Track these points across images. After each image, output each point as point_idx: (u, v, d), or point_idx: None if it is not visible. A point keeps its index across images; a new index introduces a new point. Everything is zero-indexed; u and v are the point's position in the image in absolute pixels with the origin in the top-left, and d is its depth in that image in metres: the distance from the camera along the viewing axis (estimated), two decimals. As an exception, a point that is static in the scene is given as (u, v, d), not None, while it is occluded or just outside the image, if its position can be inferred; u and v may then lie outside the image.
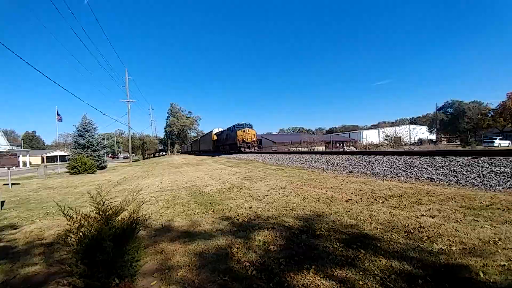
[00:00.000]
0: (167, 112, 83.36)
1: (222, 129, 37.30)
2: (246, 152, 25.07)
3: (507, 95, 54.99)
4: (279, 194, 5.56)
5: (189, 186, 7.84)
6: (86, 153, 22.11)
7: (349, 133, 76.51)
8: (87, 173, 18.59)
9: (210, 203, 5.19)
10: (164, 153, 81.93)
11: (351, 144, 51.39)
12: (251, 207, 4.57)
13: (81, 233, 2.00)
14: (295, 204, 4.54)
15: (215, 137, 39.49)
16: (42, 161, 66.41)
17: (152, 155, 70.04)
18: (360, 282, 1.99)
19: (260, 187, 6.57)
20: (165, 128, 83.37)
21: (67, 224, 2.07)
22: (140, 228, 2.43)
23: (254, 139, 27.10)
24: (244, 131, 26.42)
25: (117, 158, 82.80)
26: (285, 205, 4.52)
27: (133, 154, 53.83)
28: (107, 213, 2.11)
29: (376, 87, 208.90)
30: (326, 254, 2.51)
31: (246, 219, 3.85)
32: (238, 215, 4.10)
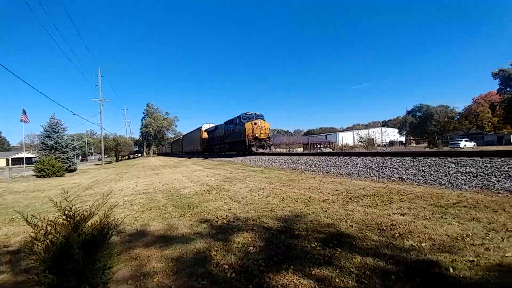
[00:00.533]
0: (143, 113, 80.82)
1: (214, 125, 29.79)
2: (258, 154, 18.43)
3: (473, 100, 59.65)
4: (258, 195, 5.57)
5: (166, 189, 7.63)
6: (54, 155, 20.75)
7: (326, 135, 78.79)
8: (56, 176, 17.46)
9: (188, 205, 5.08)
10: (139, 155, 79.21)
11: (328, 145, 52.90)
12: (230, 209, 4.53)
13: (48, 241, 1.87)
14: (274, 205, 4.56)
15: (205, 135, 32.35)
16: (7, 164, 61.86)
17: (127, 156, 67.32)
18: (337, 280, 2.04)
19: (239, 189, 6.54)
20: (140, 128, 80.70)
21: (33, 231, 1.93)
22: (113, 233, 2.32)
23: (269, 134, 19.78)
24: (255, 124, 19.09)
25: (87, 160, 78.30)
26: (264, 206, 4.53)
27: (106, 155, 51.26)
28: (76, 219, 1.98)
29: (352, 91, 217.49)
30: (305, 253, 2.54)
31: (225, 221, 3.81)
32: (217, 217, 4.05)
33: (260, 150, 18.95)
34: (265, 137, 19.34)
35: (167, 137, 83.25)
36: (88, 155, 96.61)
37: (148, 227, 3.87)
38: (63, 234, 1.87)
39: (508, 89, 50.83)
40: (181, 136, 53.96)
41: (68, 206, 2.01)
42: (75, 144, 31.09)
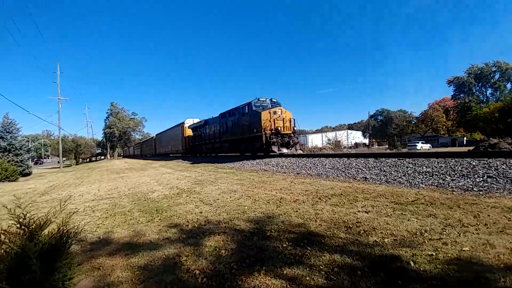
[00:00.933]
0: (107, 112, 76.32)
1: (203, 119, 23.41)
2: (276, 156, 13.49)
3: (428, 105, 65.43)
4: (230, 197, 5.53)
5: (132, 193, 7.26)
6: (8, 158, 18.86)
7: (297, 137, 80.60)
8: (9, 181, 15.87)
9: (156, 210, 4.88)
10: (102, 157, 74.49)
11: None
12: (201, 212, 4.44)
13: (2, 251, 1.72)
14: (246, 207, 4.56)
15: (189, 132, 26.65)
16: None
17: (88, 159, 62.79)
18: (307, 278, 2.09)
19: (211, 191, 6.45)
20: (103, 129, 76.00)
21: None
22: (73, 242, 2.16)
23: (294, 128, 14.53)
24: (274, 113, 13.79)
25: (40, 163, 71.31)
26: (236, 208, 4.51)
27: (65, 158, 47.33)
28: (31, 227, 1.82)
29: (320, 95, 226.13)
30: (276, 254, 2.57)
31: (196, 225, 3.73)
32: (188, 221, 3.94)
33: (284, 150, 13.55)
34: (290, 132, 13.98)
35: (134, 138, 79.68)
36: (45, 158, 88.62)
37: (112, 234, 3.65)
38: (18, 243, 1.72)
39: (461, 95, 56.70)
40: (154, 136, 46.81)
41: (22, 214, 1.84)
42: (30, 145, 28.44)
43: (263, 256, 2.54)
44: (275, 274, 2.19)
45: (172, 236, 3.34)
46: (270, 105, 14.96)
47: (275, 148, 13.32)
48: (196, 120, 26.97)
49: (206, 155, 23.59)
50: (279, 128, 13.58)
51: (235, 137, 16.82)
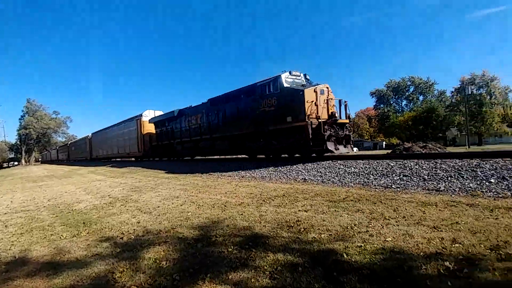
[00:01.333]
0: (22, 110, 64.76)
1: (174, 110, 16.44)
2: (329, 157, 9.06)
3: (355, 114, 74.05)
4: (173, 204, 5.26)
5: (53, 204, 6.30)
6: None
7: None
8: None
9: (83, 223, 4.33)
10: (16, 163, 62.88)
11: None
12: (139, 222, 4.11)
13: None
14: (190, 213, 4.40)
15: (149, 128, 20.26)
16: None
17: (-5, 166, 52.22)
18: (253, 280, 2.12)
19: (150, 198, 6.02)
20: (18, 130, 64.20)
21: None
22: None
23: (350, 116, 10.09)
24: (321, 93, 9.14)
25: None
26: (179, 215, 4.31)
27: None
28: None
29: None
30: (221, 259, 2.54)
31: (133, 237, 3.43)
32: (123, 233, 3.60)
33: (342, 150, 9.29)
34: (347, 121, 9.73)
35: (56, 140, 69.51)
36: None
37: (30, 252, 3.14)
38: None
39: (381, 105, 65.40)
40: (89, 135, 36.21)
41: None
42: None
43: (208, 263, 2.48)
44: (220, 280, 2.16)
45: (103, 251, 3.00)
46: (307, 82, 10.30)
47: (331, 146, 8.76)
48: (159, 113, 20.66)
49: (180, 159, 17.62)
50: (336, 116, 9.20)
51: (244, 131, 11.33)
